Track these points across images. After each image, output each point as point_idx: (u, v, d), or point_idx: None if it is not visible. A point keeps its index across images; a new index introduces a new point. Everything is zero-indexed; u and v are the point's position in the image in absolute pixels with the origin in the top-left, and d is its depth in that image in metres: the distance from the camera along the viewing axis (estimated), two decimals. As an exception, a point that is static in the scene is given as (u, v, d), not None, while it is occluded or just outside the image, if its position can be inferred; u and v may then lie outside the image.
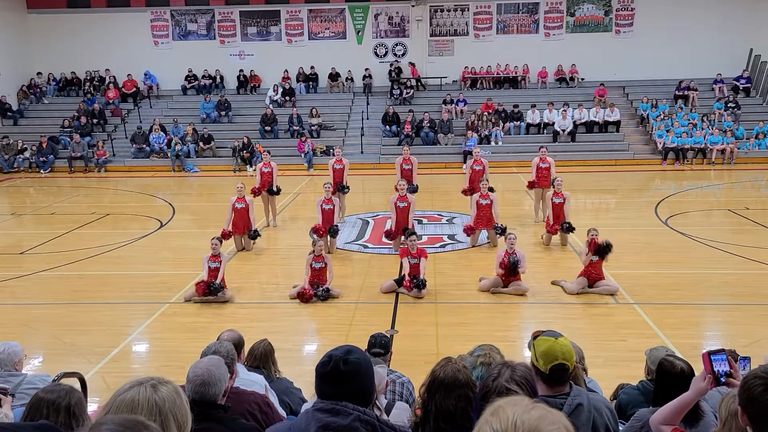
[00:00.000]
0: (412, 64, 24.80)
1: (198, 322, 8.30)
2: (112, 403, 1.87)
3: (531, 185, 13.23)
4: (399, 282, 9.20)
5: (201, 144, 22.08)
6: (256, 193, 13.03)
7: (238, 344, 4.60)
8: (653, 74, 24.26)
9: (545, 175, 12.89)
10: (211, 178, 20.61)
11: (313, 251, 9.14)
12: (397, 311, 8.58)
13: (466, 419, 2.77)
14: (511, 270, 9.01)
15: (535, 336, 2.87)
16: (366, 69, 24.84)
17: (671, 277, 9.69)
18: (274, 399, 4.14)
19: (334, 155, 14.11)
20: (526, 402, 1.48)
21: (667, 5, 23.96)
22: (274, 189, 13.22)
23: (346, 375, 2.30)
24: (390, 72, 24.72)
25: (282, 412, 3.96)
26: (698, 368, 3.72)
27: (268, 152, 14.73)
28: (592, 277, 9.02)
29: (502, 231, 11.22)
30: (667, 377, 3.50)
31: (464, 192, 13.30)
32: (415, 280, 9.03)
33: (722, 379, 2.70)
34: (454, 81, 25.07)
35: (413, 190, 12.81)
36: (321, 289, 8.92)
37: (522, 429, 1.39)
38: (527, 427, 1.39)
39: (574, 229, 11.28)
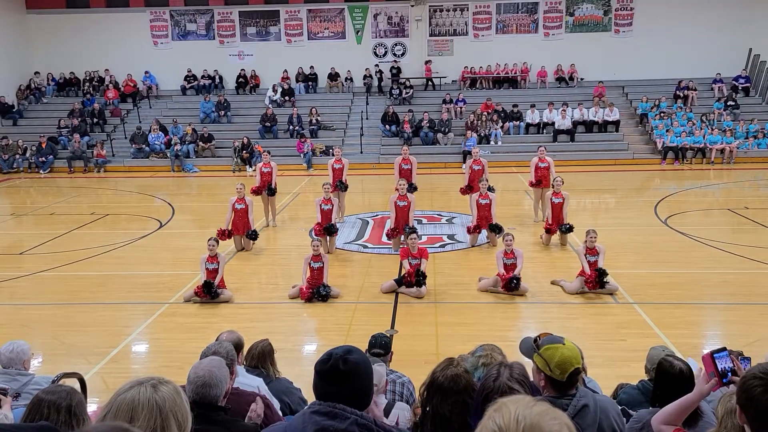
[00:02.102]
0: (428, 62, 24.78)
1: (197, 322, 8.30)
2: (112, 403, 1.87)
3: (533, 184, 13.20)
4: (399, 282, 9.20)
5: (201, 143, 22.08)
6: (256, 192, 13.05)
7: (238, 345, 4.59)
8: (653, 74, 24.27)
9: (544, 174, 12.88)
10: (210, 178, 20.61)
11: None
12: (396, 311, 8.58)
13: (462, 424, 2.77)
14: (511, 287, 8.96)
15: (538, 345, 2.84)
16: (366, 69, 24.88)
17: (671, 276, 9.69)
18: (273, 401, 4.14)
19: (333, 155, 14.11)
20: (528, 399, 1.52)
21: (666, 5, 23.97)
22: (272, 188, 13.22)
23: (344, 374, 2.28)
24: (375, 73, 24.79)
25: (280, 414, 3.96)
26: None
27: (268, 152, 14.73)
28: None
29: (495, 229, 11.27)
30: (666, 377, 3.50)
31: (463, 191, 13.31)
32: (417, 274, 9.01)
33: (728, 377, 2.67)
34: (453, 81, 25.09)
35: (412, 189, 12.83)
36: (321, 287, 8.89)
37: (524, 424, 1.42)
38: (528, 422, 1.43)
39: (573, 229, 11.27)
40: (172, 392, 1.91)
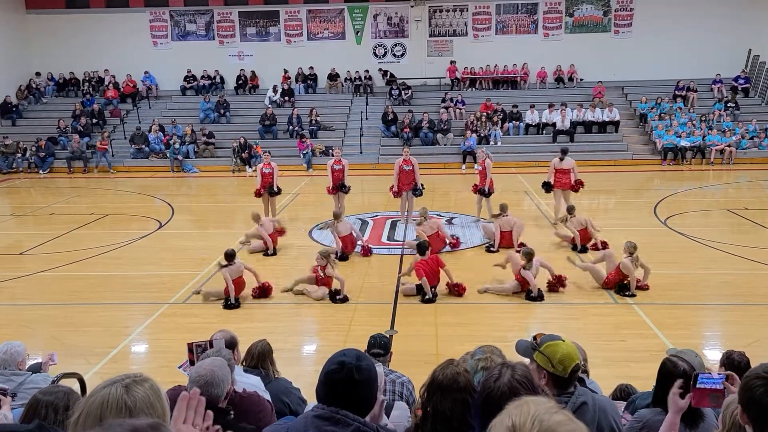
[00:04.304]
0: (453, 62, 24.76)
1: (197, 322, 8.29)
2: (85, 403, 1.84)
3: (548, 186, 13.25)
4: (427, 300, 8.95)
5: (204, 139, 22.12)
6: (258, 194, 13.05)
7: (231, 344, 4.59)
8: (652, 74, 24.30)
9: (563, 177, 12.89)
10: (210, 178, 20.61)
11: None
12: (396, 311, 8.58)
13: (463, 423, 2.76)
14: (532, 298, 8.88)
15: (537, 343, 2.85)
16: (356, 72, 24.92)
17: (670, 277, 9.68)
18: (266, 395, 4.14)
19: (333, 156, 14.08)
20: (551, 405, 1.48)
21: (665, 5, 23.99)
22: (275, 189, 13.21)
23: (358, 383, 2.28)
24: (363, 72, 24.79)
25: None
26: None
27: (269, 153, 14.71)
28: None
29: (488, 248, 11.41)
30: (669, 378, 3.46)
31: (474, 189, 13.44)
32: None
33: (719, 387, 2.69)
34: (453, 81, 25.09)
35: (419, 191, 13.15)
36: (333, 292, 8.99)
37: (538, 428, 1.39)
38: (544, 427, 1.39)
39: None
40: (146, 391, 1.83)
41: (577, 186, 12.87)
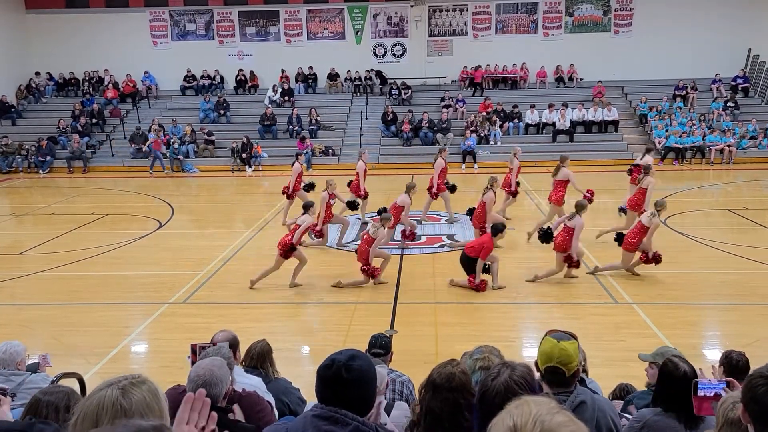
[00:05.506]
0: (478, 68, 24.70)
1: (197, 322, 8.29)
2: (82, 405, 1.83)
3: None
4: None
5: (205, 137, 22.14)
6: (307, 189, 13.63)
7: (232, 345, 4.59)
8: (652, 74, 24.28)
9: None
10: (209, 178, 20.61)
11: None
12: (396, 311, 8.59)
13: (454, 423, 2.76)
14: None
15: (547, 333, 2.92)
16: (356, 72, 24.91)
17: (670, 276, 9.70)
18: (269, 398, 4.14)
19: (361, 158, 13.89)
20: (553, 405, 1.47)
21: (665, 5, 23.97)
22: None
23: (348, 382, 2.27)
24: (365, 72, 24.75)
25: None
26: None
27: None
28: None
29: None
30: (670, 378, 3.46)
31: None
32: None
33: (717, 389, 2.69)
34: (453, 81, 25.09)
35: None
36: None
37: (540, 428, 1.39)
38: (545, 427, 1.39)
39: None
40: (143, 393, 1.83)
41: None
